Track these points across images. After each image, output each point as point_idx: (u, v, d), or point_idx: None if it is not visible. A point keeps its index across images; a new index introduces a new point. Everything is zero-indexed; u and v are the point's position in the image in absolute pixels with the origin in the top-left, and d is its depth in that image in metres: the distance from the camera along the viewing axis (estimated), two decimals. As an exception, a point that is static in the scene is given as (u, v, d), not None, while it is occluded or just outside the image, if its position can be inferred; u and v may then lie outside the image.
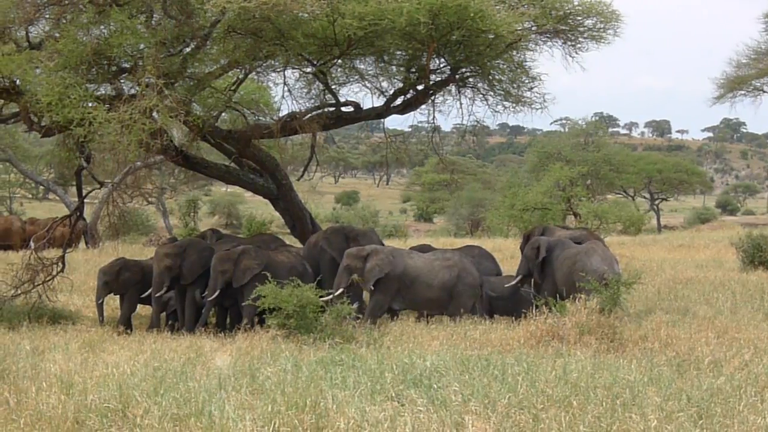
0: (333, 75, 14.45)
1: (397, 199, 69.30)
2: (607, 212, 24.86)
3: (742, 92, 28.33)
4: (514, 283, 12.70)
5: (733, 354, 8.95)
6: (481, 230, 37.50)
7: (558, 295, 11.46)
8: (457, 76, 13.94)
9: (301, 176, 16.45)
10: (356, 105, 14.47)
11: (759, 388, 7.40)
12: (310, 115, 14.08)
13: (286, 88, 14.34)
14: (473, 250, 14.11)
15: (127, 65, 12.20)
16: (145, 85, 11.28)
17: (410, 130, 16.48)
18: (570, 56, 13.87)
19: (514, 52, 13.46)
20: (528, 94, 13.92)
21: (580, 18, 13.49)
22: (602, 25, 13.53)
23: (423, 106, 14.54)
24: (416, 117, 15.38)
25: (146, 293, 13.05)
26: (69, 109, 10.97)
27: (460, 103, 14.48)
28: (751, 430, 6.34)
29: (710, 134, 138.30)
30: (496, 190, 41.50)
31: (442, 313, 12.20)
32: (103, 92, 12.44)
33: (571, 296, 10.89)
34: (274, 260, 12.48)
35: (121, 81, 12.53)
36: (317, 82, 14.52)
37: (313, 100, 14.79)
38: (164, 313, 13.33)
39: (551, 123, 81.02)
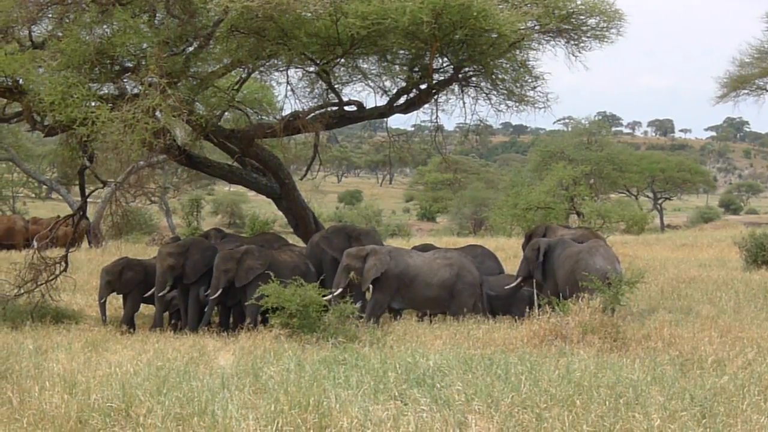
0: (336, 74, 14.43)
1: (400, 198, 69.28)
2: (610, 211, 24.78)
3: (746, 91, 28.37)
4: (514, 285, 12.69)
5: (737, 353, 8.93)
6: (484, 229, 37.50)
7: (560, 295, 11.45)
8: (460, 76, 13.92)
9: (304, 175, 16.42)
10: (359, 104, 14.46)
11: (762, 388, 7.38)
12: (313, 114, 14.07)
13: (289, 88, 14.31)
14: (476, 249, 14.11)
15: (130, 64, 12.21)
16: (148, 84, 11.27)
17: (413, 129, 16.45)
18: (573, 55, 13.86)
19: (517, 51, 13.44)
20: (531, 93, 13.91)
21: (583, 17, 13.48)
22: (605, 25, 13.52)
23: (426, 106, 14.52)
24: (419, 116, 15.44)
25: (149, 292, 13.07)
26: (72, 109, 10.98)
27: (463, 103, 14.47)
28: (754, 429, 6.33)
29: (713, 133, 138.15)
30: (499, 189, 41.42)
31: (443, 312, 12.20)
32: (106, 91, 12.44)
33: (574, 295, 10.88)
34: (277, 259, 12.48)
35: (124, 80, 12.54)
36: (320, 82, 14.51)
37: (316, 100, 14.79)
38: (167, 313, 13.34)
39: (554, 122, 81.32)
